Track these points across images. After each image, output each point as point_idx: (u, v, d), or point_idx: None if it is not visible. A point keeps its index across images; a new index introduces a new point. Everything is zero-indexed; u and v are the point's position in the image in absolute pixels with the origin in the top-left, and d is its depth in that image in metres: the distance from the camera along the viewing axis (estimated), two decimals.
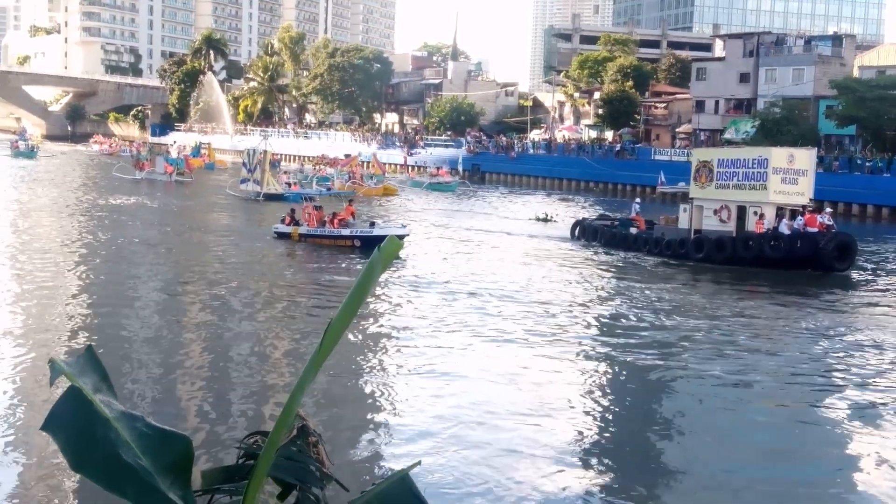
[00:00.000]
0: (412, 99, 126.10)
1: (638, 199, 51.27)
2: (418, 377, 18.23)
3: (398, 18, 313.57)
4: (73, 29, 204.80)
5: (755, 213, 35.65)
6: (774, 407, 17.60)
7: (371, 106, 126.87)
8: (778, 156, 36.32)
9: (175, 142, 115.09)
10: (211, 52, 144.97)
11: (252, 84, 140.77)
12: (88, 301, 25.07)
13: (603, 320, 24.83)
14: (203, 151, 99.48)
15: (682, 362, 20.30)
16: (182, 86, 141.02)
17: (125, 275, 29.56)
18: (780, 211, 35.94)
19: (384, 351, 20.79)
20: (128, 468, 3.16)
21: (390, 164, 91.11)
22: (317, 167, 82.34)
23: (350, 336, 20.92)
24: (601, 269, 34.58)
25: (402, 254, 34.32)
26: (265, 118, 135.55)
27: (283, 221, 39.02)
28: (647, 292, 29.35)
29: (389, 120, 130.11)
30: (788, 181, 35.81)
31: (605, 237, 40.84)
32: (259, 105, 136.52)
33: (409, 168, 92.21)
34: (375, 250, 3.21)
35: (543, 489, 12.83)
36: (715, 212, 36.84)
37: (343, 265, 32.60)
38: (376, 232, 35.30)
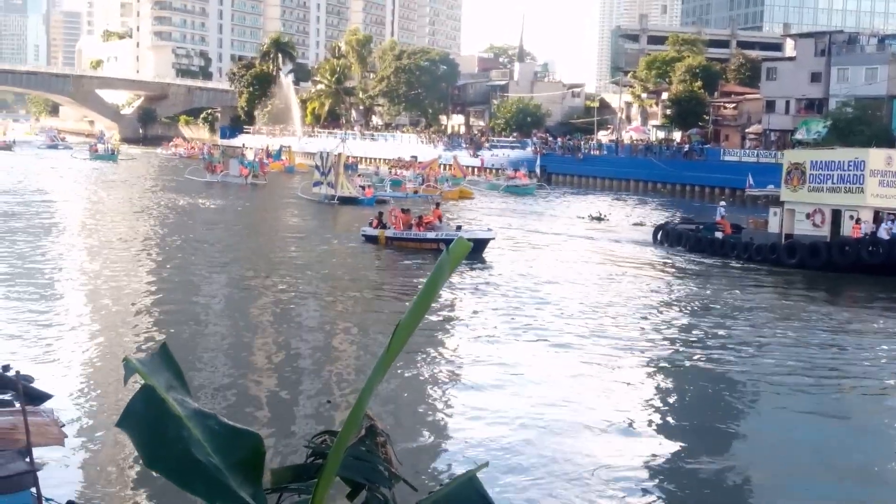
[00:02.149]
0: (478, 100, 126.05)
1: (723, 202, 49.88)
2: (489, 379, 18.19)
3: (464, 20, 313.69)
4: (145, 33, 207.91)
5: (851, 216, 34.38)
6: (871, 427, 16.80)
7: (437, 108, 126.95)
8: (876, 157, 35.07)
9: (244, 144, 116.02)
10: (279, 55, 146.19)
11: (319, 87, 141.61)
12: (163, 300, 25.44)
13: (687, 328, 24.14)
14: (283, 155, 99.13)
15: (770, 373, 19.62)
16: (251, 88, 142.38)
17: (200, 275, 29.96)
18: (878, 215, 34.52)
19: (453, 352, 20.80)
20: (199, 465, 3.19)
21: (469, 167, 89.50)
22: (392, 170, 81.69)
23: (420, 337, 20.98)
24: (686, 276, 33.60)
25: (486, 257, 34.31)
26: (332, 121, 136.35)
27: (370, 224, 38.99)
28: (735, 299, 28.42)
29: (455, 122, 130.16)
30: (887, 184, 34.41)
31: (689, 242, 39.65)
32: (326, 107, 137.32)
33: (486, 170, 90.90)
34: (444, 251, 3.21)
35: (608, 495, 12.75)
36: (808, 216, 35.62)
37: (425, 268, 32.08)
38: (463, 235, 34.89)
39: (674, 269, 35.02)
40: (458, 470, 12.81)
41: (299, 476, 3.80)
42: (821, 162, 36.03)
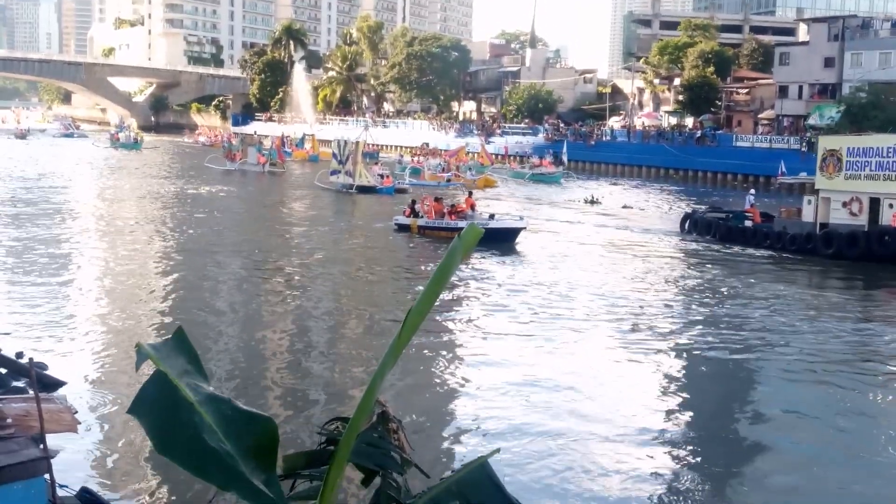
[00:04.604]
0: (490, 87, 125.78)
1: (753, 191, 48.87)
2: (504, 367, 18.19)
3: (476, 6, 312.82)
4: (157, 21, 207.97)
5: (891, 205, 33.42)
6: None
7: (449, 94, 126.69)
8: None
9: (255, 131, 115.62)
10: (291, 42, 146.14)
11: (331, 73, 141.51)
12: (179, 287, 25.54)
13: (718, 319, 23.54)
14: (307, 143, 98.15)
15: (807, 368, 19.24)
16: (263, 76, 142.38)
17: (216, 262, 30.04)
18: None
19: (470, 339, 20.81)
20: (212, 452, 3.18)
21: (497, 155, 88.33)
22: (415, 158, 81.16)
23: (438, 323, 21.00)
24: (717, 266, 32.69)
25: (517, 247, 34.22)
26: (343, 107, 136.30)
27: (403, 213, 38.94)
28: (770, 290, 27.82)
29: (467, 108, 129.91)
30: None
31: (720, 231, 38.82)
32: (338, 94, 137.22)
33: (510, 158, 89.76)
34: (455, 238, 3.20)
35: (620, 481, 12.75)
36: (844, 204, 34.63)
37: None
38: (492, 224, 34.51)
39: (704, 259, 34.33)
40: (470, 456, 12.85)
41: (312, 462, 3.81)
42: (858, 149, 35.03)
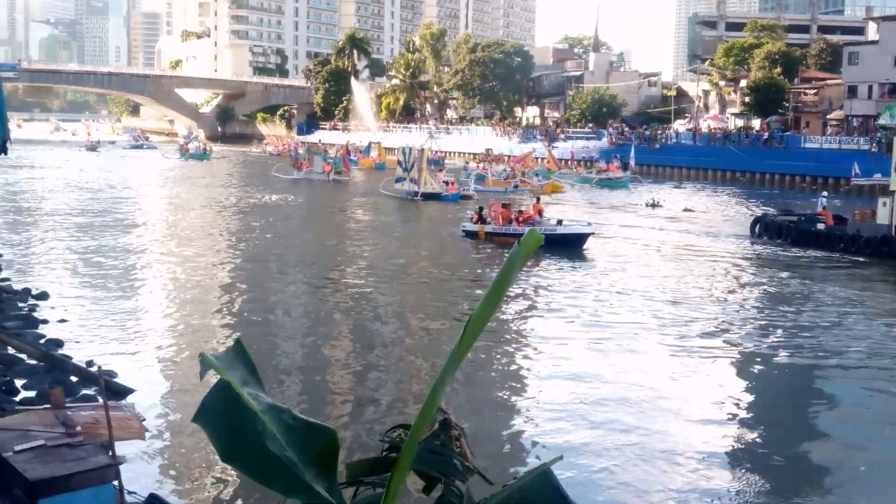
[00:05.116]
0: (553, 92, 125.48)
1: (825, 193, 47.88)
2: (566, 373, 18.09)
3: (539, 12, 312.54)
4: (223, 32, 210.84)
5: None
6: None
7: (512, 100, 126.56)
8: None
9: (320, 140, 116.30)
10: (354, 51, 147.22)
11: (394, 81, 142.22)
12: (243, 294, 25.81)
13: (790, 326, 22.98)
14: (373, 151, 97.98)
15: (883, 376, 18.78)
16: (327, 85, 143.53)
17: (279, 270, 30.29)
18: None
19: (531, 345, 20.75)
20: (274, 460, 3.20)
21: (563, 160, 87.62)
22: (480, 164, 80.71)
23: (501, 329, 20.97)
24: (790, 270, 31.96)
25: (585, 253, 34.09)
26: (407, 115, 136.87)
27: (471, 220, 38.85)
28: (844, 295, 27.20)
29: (530, 113, 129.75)
30: None
31: (791, 235, 38.01)
32: (401, 102, 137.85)
33: (577, 163, 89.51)
34: (516, 244, 3.17)
35: (682, 490, 12.60)
36: None
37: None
38: (560, 230, 34.61)
39: (776, 264, 33.57)
40: (533, 463, 12.79)
41: (374, 469, 3.80)
42: None
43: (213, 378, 3.27)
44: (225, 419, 3.24)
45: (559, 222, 36.90)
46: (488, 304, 3.14)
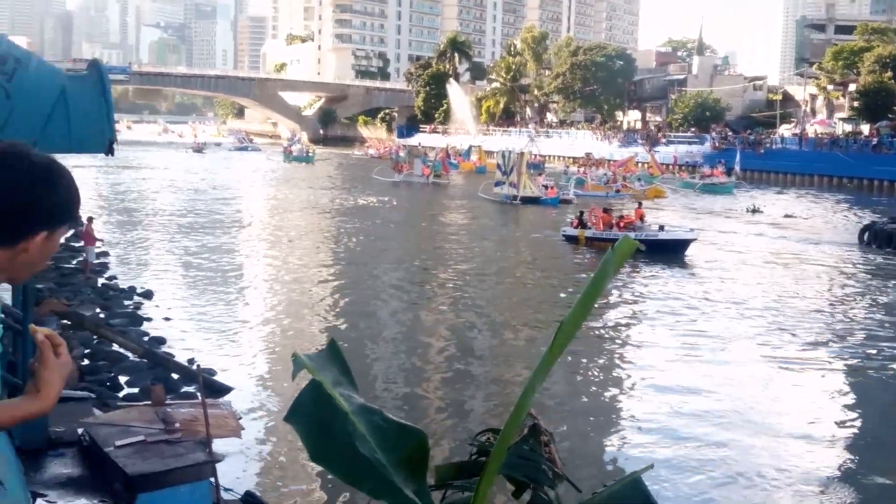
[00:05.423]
0: (655, 95, 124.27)
1: None
2: (656, 382, 17.80)
3: (642, 15, 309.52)
4: (326, 36, 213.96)
5: None
6: None
7: (613, 104, 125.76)
8: None
9: (419, 143, 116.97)
10: (455, 54, 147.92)
11: (494, 85, 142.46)
12: (338, 295, 26.06)
13: None
14: (473, 155, 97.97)
15: None
16: (428, 88, 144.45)
17: (376, 272, 30.50)
18: None
19: (623, 351, 20.55)
20: (364, 461, 3.21)
21: (666, 165, 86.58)
22: (581, 168, 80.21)
23: (592, 335, 20.84)
24: None
25: (686, 259, 33.66)
26: (507, 118, 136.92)
27: (571, 224, 38.58)
28: None
29: (631, 117, 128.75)
30: None
31: None
32: (501, 105, 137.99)
33: (679, 168, 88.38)
34: (609, 249, 3.13)
35: None
36: None
37: (622, 271, 30.33)
38: (662, 236, 34.25)
39: (886, 273, 32.42)
40: (623, 471, 12.64)
41: (463, 473, 3.80)
42: None
43: (306, 378, 3.30)
44: (316, 419, 3.27)
45: (661, 228, 36.43)
46: (580, 310, 3.11)
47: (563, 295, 27.29)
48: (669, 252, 33.08)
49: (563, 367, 17.63)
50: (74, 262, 28.14)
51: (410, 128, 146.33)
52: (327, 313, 23.82)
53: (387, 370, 18.25)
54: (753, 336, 21.88)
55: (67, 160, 3.10)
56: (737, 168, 78.14)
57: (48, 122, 7.51)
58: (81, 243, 27.90)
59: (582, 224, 37.63)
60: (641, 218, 37.16)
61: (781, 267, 33.67)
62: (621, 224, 36.29)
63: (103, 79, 8.02)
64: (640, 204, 40.51)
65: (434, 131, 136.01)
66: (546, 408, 15.36)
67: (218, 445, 8.76)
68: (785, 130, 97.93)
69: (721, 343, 21.09)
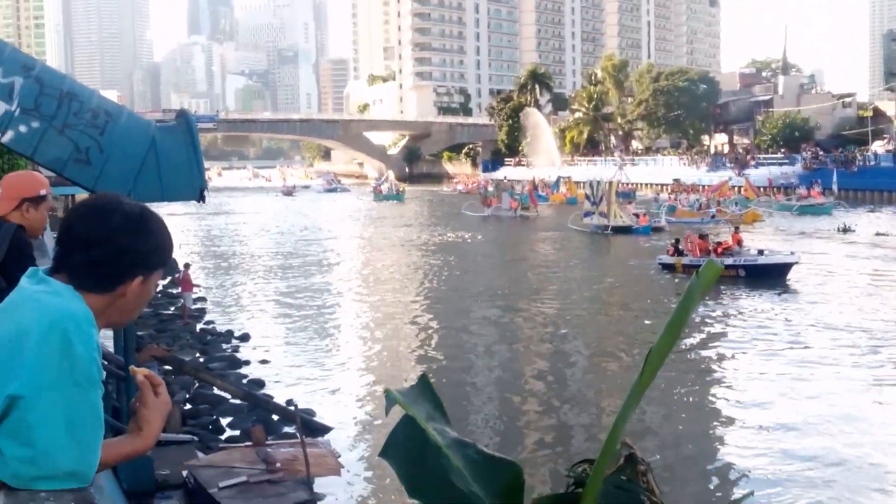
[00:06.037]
0: (741, 118, 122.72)
1: None
2: (753, 409, 17.47)
3: (723, 37, 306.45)
4: (407, 75, 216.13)
5: None
6: None
7: (698, 128, 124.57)
8: None
9: (505, 176, 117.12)
10: (536, 86, 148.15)
11: (577, 115, 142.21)
12: (430, 331, 26.16)
13: None
14: (563, 186, 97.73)
15: None
16: (510, 122, 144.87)
17: (467, 306, 30.50)
18: None
19: (720, 377, 20.24)
20: (460, 495, 3.23)
21: (761, 188, 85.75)
22: (672, 195, 79.54)
23: (685, 360, 20.58)
24: None
25: (789, 283, 32.99)
26: (591, 147, 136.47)
27: (667, 252, 38.07)
28: None
29: (718, 141, 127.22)
30: None
31: None
32: (584, 135, 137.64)
33: (775, 190, 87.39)
34: (694, 275, 3.14)
35: None
36: None
37: (722, 296, 30.48)
38: (761, 261, 33.70)
39: None
40: (722, 500, 12.44)
41: None
42: None
43: (400, 413, 3.35)
44: (410, 454, 3.31)
45: (760, 252, 35.68)
46: (668, 337, 3.11)
47: (662, 323, 26.93)
48: (770, 277, 32.51)
49: (658, 394, 17.43)
50: (173, 308, 28.76)
51: (495, 162, 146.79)
52: (420, 349, 23.93)
53: (480, 402, 18.26)
54: (853, 361, 21.30)
55: (161, 208, 3.23)
56: (834, 188, 76.49)
57: (140, 172, 7.75)
58: (179, 290, 28.53)
59: (678, 251, 37.03)
60: (739, 243, 36.42)
61: (885, 289, 32.71)
62: (719, 250, 35.51)
63: (191, 128, 8.26)
64: (737, 229, 39.75)
65: (519, 164, 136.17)
66: (642, 436, 15.20)
67: (318, 484, 8.86)
68: (878, 147, 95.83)
69: (823, 371, 20.56)
